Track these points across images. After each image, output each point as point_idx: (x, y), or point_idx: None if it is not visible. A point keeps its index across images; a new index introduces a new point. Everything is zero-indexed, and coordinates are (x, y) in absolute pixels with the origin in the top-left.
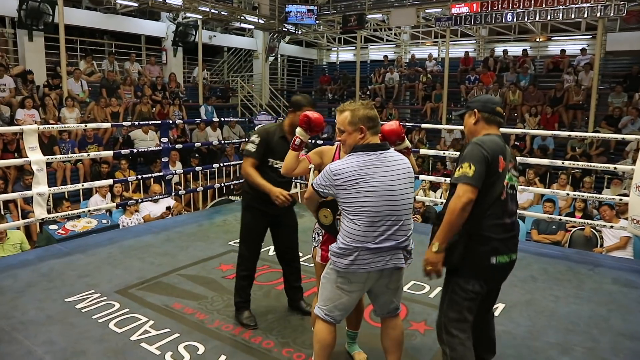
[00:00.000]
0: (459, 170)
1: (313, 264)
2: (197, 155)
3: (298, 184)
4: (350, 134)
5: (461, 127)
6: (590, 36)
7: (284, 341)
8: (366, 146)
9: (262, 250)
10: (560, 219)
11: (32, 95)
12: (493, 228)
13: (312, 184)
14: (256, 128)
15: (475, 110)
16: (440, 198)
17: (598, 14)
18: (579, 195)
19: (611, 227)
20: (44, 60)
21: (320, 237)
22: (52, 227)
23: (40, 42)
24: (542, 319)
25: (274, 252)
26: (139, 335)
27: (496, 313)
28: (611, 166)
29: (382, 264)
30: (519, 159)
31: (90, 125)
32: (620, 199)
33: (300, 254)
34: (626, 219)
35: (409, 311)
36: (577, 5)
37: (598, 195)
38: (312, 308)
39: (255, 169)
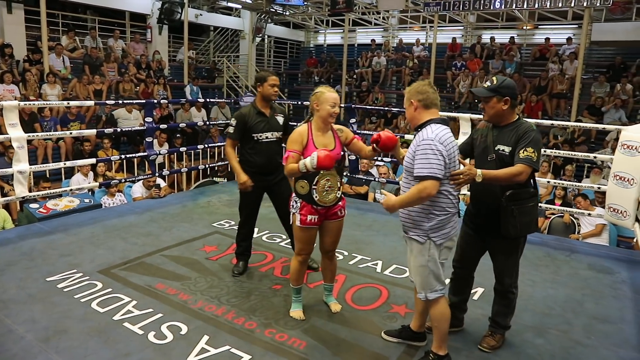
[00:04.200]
0: (523, 152)
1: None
2: (178, 135)
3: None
4: (407, 108)
5: (448, 114)
6: (577, 26)
7: (266, 322)
8: (442, 120)
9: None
10: (540, 206)
11: (12, 70)
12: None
13: (432, 175)
14: (235, 113)
15: (508, 98)
16: None
17: (585, 3)
18: (559, 183)
19: (589, 214)
20: (24, 34)
21: (299, 204)
22: (33, 205)
23: (20, 14)
24: (519, 303)
25: (257, 235)
26: (122, 315)
27: (475, 297)
28: (591, 155)
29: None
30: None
31: (74, 103)
32: (599, 187)
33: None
34: (603, 207)
35: (390, 294)
36: None
37: (578, 184)
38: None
39: (244, 145)
